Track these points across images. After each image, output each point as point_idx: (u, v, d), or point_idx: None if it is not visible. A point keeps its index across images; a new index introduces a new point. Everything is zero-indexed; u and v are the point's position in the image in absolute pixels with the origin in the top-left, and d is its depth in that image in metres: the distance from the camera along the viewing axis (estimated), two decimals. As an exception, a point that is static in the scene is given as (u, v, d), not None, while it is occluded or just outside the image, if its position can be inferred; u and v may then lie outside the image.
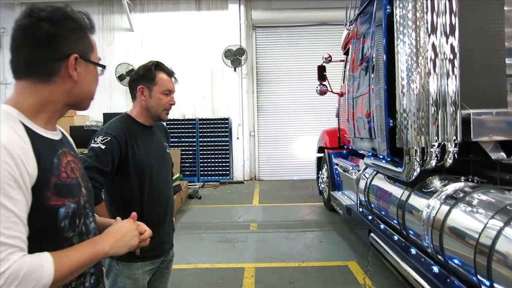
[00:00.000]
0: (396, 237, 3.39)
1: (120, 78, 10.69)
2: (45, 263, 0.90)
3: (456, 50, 2.83)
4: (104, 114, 10.32)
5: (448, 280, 2.49)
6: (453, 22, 2.83)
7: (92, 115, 10.64)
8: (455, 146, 2.87)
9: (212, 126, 10.80)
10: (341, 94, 6.17)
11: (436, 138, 2.85)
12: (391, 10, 3.10)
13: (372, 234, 3.92)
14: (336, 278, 3.95)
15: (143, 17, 11.11)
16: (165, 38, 10.94)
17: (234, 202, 8.04)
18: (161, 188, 2.04)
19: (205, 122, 10.81)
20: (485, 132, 2.82)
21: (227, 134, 10.82)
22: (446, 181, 2.82)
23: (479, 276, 2.06)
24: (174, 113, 10.92)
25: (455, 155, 2.89)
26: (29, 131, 1.00)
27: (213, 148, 10.83)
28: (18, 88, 1.06)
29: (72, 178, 1.08)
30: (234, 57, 10.43)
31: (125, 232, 1.16)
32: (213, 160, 10.80)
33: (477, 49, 3.07)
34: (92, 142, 1.89)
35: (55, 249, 0.97)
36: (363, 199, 4.29)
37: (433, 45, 2.84)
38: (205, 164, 10.79)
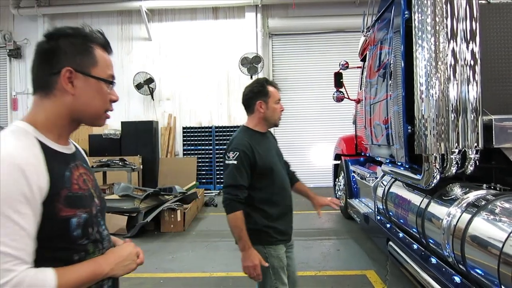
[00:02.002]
0: (415, 246, 3.31)
1: (138, 86, 10.84)
2: (48, 279, 0.95)
3: (477, 56, 2.78)
4: (122, 123, 10.48)
5: (470, 291, 2.41)
6: (474, 28, 2.79)
7: (111, 124, 10.80)
8: (476, 153, 2.80)
9: (228, 133, 10.84)
10: (358, 101, 6.12)
11: (456, 144, 2.79)
12: (409, 15, 3.07)
13: (390, 243, 3.84)
14: (355, 287, 3.88)
15: (161, 27, 11.29)
16: (183, 47, 11.08)
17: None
18: (284, 181, 2.42)
19: (221, 129, 10.86)
20: (507, 139, 2.75)
21: (242, 142, 10.83)
22: (467, 189, 2.75)
23: (503, 287, 1.99)
24: (191, 121, 11.03)
25: (477, 162, 2.82)
26: (43, 147, 1.06)
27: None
28: (32, 104, 1.13)
29: (84, 190, 1.14)
30: (251, 65, 10.48)
31: (126, 256, 1.18)
32: (229, 168, 10.81)
33: (499, 54, 3.01)
34: (226, 158, 2.29)
35: (71, 256, 1.06)
36: (381, 206, 4.21)
37: (453, 51, 2.79)
38: (222, 172, 10.78)
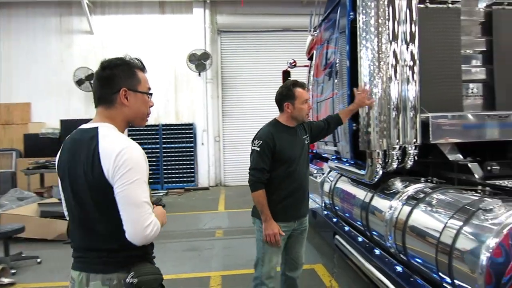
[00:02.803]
0: (360, 239, 3.44)
1: (79, 82, 10.29)
2: (156, 219, 1.47)
3: (416, 57, 2.94)
4: (62, 121, 9.87)
5: (411, 279, 2.55)
6: (413, 30, 2.94)
7: (49, 122, 10.17)
8: (415, 149, 2.97)
9: (176, 131, 10.63)
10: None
11: (397, 141, 2.94)
12: (354, 16, 3.17)
13: (337, 236, 3.97)
14: (303, 282, 3.94)
15: (104, 20, 10.81)
16: (128, 42, 10.66)
17: (199, 209, 7.93)
18: (300, 169, 2.77)
19: (168, 127, 10.62)
20: (442, 135, 2.94)
21: (191, 139, 10.69)
22: (407, 183, 2.90)
23: (440, 274, 2.12)
24: (137, 119, 10.65)
25: (415, 157, 2.99)
26: None
27: (177, 154, 10.65)
28: (98, 113, 1.58)
29: None
30: (199, 61, 10.35)
31: (163, 215, 1.63)
32: (177, 167, 10.61)
33: (436, 56, 3.19)
34: (252, 145, 2.72)
35: None
36: (327, 202, 4.34)
37: (394, 52, 2.93)
38: (169, 171, 10.59)
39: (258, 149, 2.67)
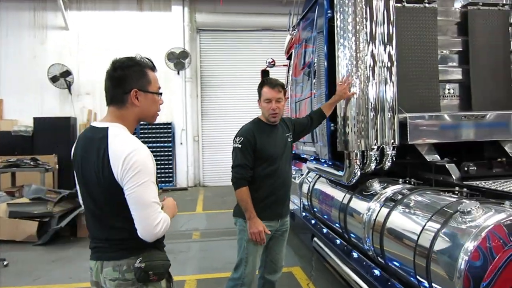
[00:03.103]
0: (338, 241, 3.39)
1: (53, 79, 9.98)
2: (167, 216, 1.57)
3: (394, 58, 2.91)
4: (35, 119, 9.57)
5: (389, 282, 2.50)
6: (391, 32, 2.91)
7: (22, 120, 9.84)
8: (393, 149, 2.93)
9: (154, 131, 10.42)
10: (285, 99, 6.17)
11: (375, 141, 2.89)
12: (332, 14, 3.11)
13: (315, 239, 3.91)
14: (280, 285, 3.87)
15: (80, 16, 10.52)
16: (104, 38, 10.42)
17: (177, 210, 7.75)
18: (282, 168, 2.74)
19: (146, 127, 10.37)
20: (420, 135, 2.92)
21: (170, 139, 10.51)
22: (385, 184, 2.86)
23: (418, 277, 2.07)
24: (114, 118, 10.39)
25: (393, 158, 2.95)
26: None
27: (155, 154, 10.35)
28: (109, 112, 1.64)
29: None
30: (178, 60, 10.18)
31: (174, 206, 1.73)
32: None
33: (413, 56, 3.17)
34: (234, 142, 2.69)
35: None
36: (306, 203, 4.28)
37: (372, 53, 2.89)
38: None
39: (240, 146, 2.65)
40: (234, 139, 2.71)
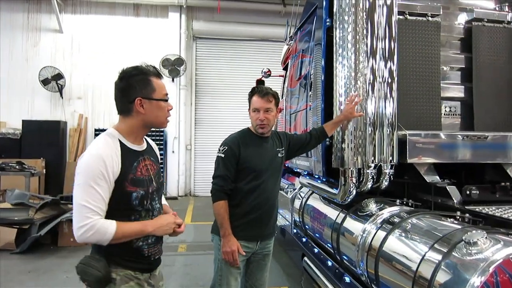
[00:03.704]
0: (330, 263, 3.20)
1: (44, 82, 9.76)
2: (110, 227, 1.54)
3: (395, 74, 2.77)
4: (24, 122, 9.35)
5: (383, 313, 2.31)
6: (392, 47, 2.77)
7: (11, 123, 9.60)
8: (391, 168, 2.77)
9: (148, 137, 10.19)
10: (279, 110, 6.02)
11: (372, 159, 2.73)
12: (330, 23, 2.98)
13: (305, 258, 3.71)
14: (267, 306, 3.67)
15: (75, 19, 10.36)
16: (98, 43, 10.26)
17: (164, 220, 7.51)
18: (267, 184, 2.51)
19: (138, 133, 10.18)
20: (420, 154, 2.76)
21: (161, 147, 10.29)
22: (382, 205, 2.69)
23: (416, 311, 1.89)
24: (105, 123, 10.19)
25: (391, 177, 2.79)
26: (122, 145, 1.66)
27: (146, 161, 10.20)
28: (119, 119, 1.71)
29: (145, 175, 1.70)
30: (172, 67, 10.03)
31: (166, 223, 1.72)
32: (145, 175, 10.16)
33: (414, 71, 3.04)
34: (218, 152, 2.52)
35: (129, 216, 1.64)
36: (297, 219, 4.09)
37: (372, 68, 2.74)
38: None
39: (223, 155, 2.47)
40: (219, 147, 2.54)
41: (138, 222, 1.65)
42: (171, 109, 1.76)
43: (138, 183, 1.65)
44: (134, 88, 1.64)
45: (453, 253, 1.76)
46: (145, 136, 1.87)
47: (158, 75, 1.72)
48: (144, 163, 1.71)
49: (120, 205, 1.61)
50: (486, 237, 1.68)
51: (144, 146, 1.78)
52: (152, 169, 1.74)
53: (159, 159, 1.99)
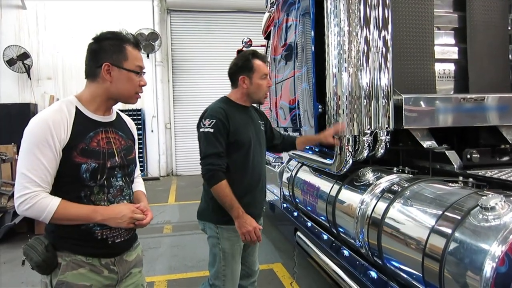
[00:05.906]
0: (325, 237, 3.07)
1: (10, 62, 9.18)
2: (50, 204, 1.42)
3: (389, 44, 2.58)
4: (-11, 105, 8.83)
5: (389, 287, 2.19)
6: (386, 16, 2.57)
7: (-25, 107, 9.04)
8: (387, 135, 2.62)
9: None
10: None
11: (368, 126, 2.57)
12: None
13: (298, 233, 3.59)
14: (261, 284, 3.55)
15: (38, -7, 9.69)
16: (66, 19, 9.67)
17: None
18: (256, 160, 2.30)
19: (114, 113, 9.79)
20: (416, 120, 2.61)
21: (139, 126, 9.94)
22: (379, 173, 2.55)
23: (427, 284, 1.77)
24: (78, 104, 9.72)
25: (387, 144, 2.64)
26: (78, 113, 1.52)
27: (124, 142, 9.87)
28: (85, 85, 1.59)
29: (102, 147, 1.54)
30: (147, 42, 9.59)
31: (120, 215, 1.51)
32: (124, 156, 9.85)
33: (407, 32, 2.86)
34: (201, 126, 2.19)
35: (78, 191, 1.49)
36: (287, 193, 3.95)
37: (366, 38, 2.53)
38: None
39: (212, 130, 2.14)
40: (200, 122, 2.22)
41: (87, 206, 1.48)
42: (143, 85, 1.60)
43: (91, 154, 1.49)
44: (105, 51, 1.51)
45: (468, 220, 1.62)
46: (120, 112, 1.72)
47: (136, 45, 1.57)
48: (105, 135, 1.56)
49: (68, 178, 1.46)
50: (504, 201, 1.54)
51: (111, 118, 1.63)
52: (116, 143, 1.60)
53: (136, 138, 1.81)
